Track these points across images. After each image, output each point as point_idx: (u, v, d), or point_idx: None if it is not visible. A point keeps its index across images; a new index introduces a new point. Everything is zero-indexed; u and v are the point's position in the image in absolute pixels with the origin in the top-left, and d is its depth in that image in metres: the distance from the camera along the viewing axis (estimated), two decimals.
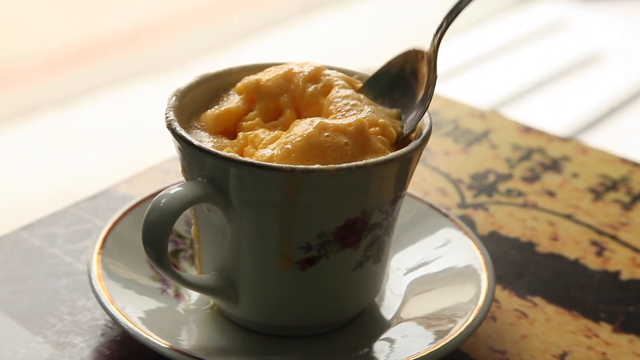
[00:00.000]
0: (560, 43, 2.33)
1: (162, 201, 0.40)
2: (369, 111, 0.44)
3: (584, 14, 2.48)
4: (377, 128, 0.43)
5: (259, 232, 0.42)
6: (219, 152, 0.41)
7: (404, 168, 0.42)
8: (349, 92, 0.45)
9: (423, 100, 0.44)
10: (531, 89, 2.04)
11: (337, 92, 0.45)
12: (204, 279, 0.44)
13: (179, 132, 0.42)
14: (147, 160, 0.65)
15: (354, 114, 0.43)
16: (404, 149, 0.42)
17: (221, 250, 0.44)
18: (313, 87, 0.45)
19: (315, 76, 0.46)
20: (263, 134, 0.43)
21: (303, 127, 0.42)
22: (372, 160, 0.40)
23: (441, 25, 0.45)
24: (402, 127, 0.44)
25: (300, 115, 0.45)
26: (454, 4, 0.45)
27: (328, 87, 0.45)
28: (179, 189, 0.41)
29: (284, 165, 0.39)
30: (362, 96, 0.45)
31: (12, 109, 1.96)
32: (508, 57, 2.23)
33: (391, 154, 0.41)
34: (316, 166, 0.40)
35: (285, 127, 0.44)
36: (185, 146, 0.41)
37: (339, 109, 0.44)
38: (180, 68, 2.12)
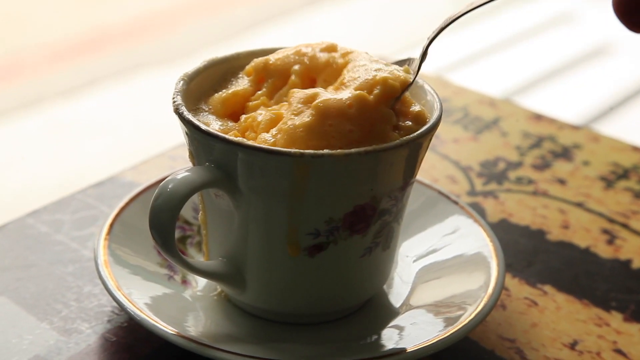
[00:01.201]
0: (571, 33, 2.32)
1: (169, 186, 0.40)
2: (374, 70, 0.42)
3: (595, 4, 2.47)
4: (378, 88, 0.41)
5: (267, 218, 0.41)
6: (226, 136, 0.40)
7: (413, 154, 0.42)
8: (368, 57, 0.44)
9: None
10: (542, 79, 2.03)
11: (357, 60, 0.44)
12: (211, 265, 0.44)
13: (187, 116, 0.41)
14: (152, 151, 0.64)
15: (357, 78, 0.42)
16: (413, 135, 0.41)
17: (229, 236, 0.43)
18: (329, 55, 0.44)
19: (331, 47, 0.45)
20: (260, 116, 0.42)
21: (299, 110, 0.41)
22: (381, 145, 0.40)
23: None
24: (408, 73, 0.43)
25: (314, 83, 0.44)
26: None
27: (346, 56, 0.44)
28: (186, 173, 0.40)
29: (293, 150, 0.39)
30: (375, 58, 0.44)
31: (17, 100, 1.96)
32: (519, 47, 2.22)
33: (400, 139, 0.40)
34: (325, 151, 0.39)
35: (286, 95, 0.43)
36: (193, 131, 0.41)
37: (352, 78, 0.43)
38: (186, 60, 2.11)
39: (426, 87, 0.45)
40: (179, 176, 0.40)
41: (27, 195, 1.59)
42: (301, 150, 0.39)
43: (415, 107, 0.43)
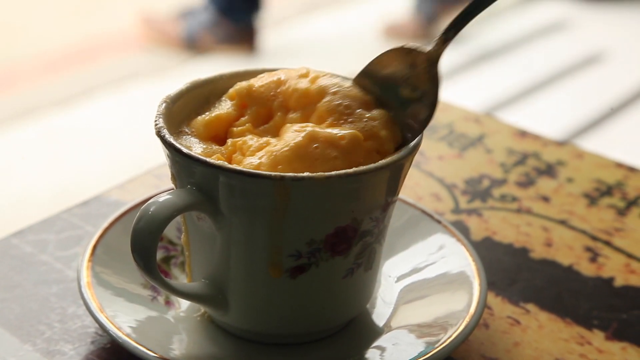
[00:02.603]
0: (558, 45, 2.33)
1: (151, 209, 0.40)
2: (367, 117, 0.43)
3: (583, 15, 2.48)
4: (373, 142, 0.42)
5: (249, 240, 0.42)
6: (207, 159, 0.40)
7: (394, 175, 0.42)
8: (346, 89, 0.44)
9: (427, 100, 0.43)
10: (529, 91, 2.04)
11: (332, 89, 0.44)
12: (194, 287, 0.44)
13: (168, 139, 0.42)
14: (147, 161, 0.64)
15: (350, 122, 0.43)
16: (394, 156, 0.41)
17: (211, 258, 0.43)
18: (304, 81, 0.44)
19: (305, 74, 0.45)
20: (251, 140, 0.43)
21: (292, 136, 0.41)
22: (362, 168, 0.40)
23: (450, 27, 0.43)
24: (402, 131, 0.43)
25: (288, 114, 0.44)
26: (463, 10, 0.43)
27: (318, 84, 0.44)
28: (168, 196, 0.40)
29: (273, 174, 0.39)
30: (359, 93, 0.44)
31: (12, 109, 1.96)
32: (506, 59, 2.23)
33: (381, 162, 0.41)
34: (305, 174, 0.39)
35: (275, 132, 0.44)
36: (175, 154, 0.41)
37: (332, 111, 0.43)
38: (180, 70, 2.12)
39: None
40: (161, 199, 0.40)
41: (23, 203, 1.59)
42: (282, 174, 0.39)
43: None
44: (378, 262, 0.46)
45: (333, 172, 0.39)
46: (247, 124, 0.44)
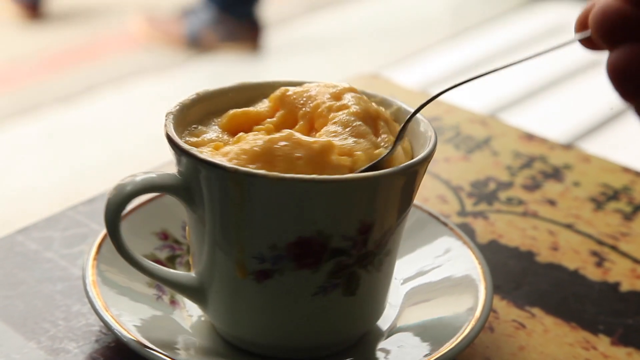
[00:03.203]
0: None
1: (125, 182, 0.41)
2: (354, 140, 0.42)
3: None
4: (348, 159, 0.41)
5: (218, 235, 0.41)
6: (178, 141, 0.41)
7: (365, 193, 0.39)
8: (355, 110, 0.43)
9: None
10: (535, 93, 2.04)
11: (345, 109, 0.43)
12: (174, 275, 0.44)
13: (166, 119, 0.42)
14: (151, 158, 0.64)
15: (353, 138, 0.42)
16: (363, 174, 0.39)
17: (198, 252, 0.43)
18: (330, 103, 0.44)
19: (338, 95, 0.44)
20: (250, 136, 0.42)
21: (273, 135, 0.41)
22: (319, 176, 0.38)
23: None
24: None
25: (313, 128, 0.44)
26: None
27: (342, 100, 0.44)
28: (145, 175, 0.41)
29: (229, 165, 0.39)
30: (360, 123, 0.43)
31: (14, 107, 1.96)
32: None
33: (348, 175, 0.39)
34: (261, 171, 0.38)
35: None
36: (165, 134, 0.42)
37: (340, 123, 0.43)
38: (182, 68, 2.12)
39: (421, 122, 0.45)
40: (139, 177, 0.41)
41: (25, 200, 1.59)
42: (236, 167, 0.39)
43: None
44: (369, 292, 0.43)
45: (287, 175, 0.38)
46: (268, 124, 0.44)
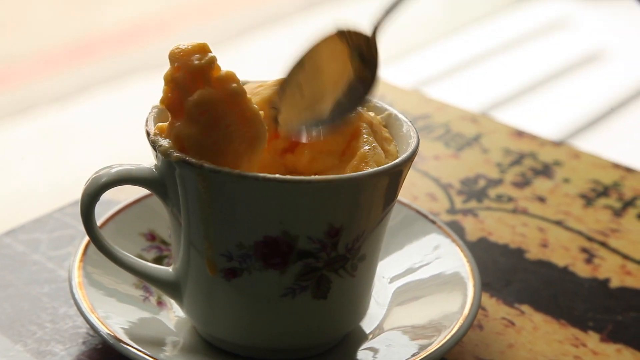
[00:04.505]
0: (556, 44, 2.32)
1: (100, 173, 0.42)
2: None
3: (581, 14, 2.47)
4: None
5: (190, 232, 0.41)
6: (151, 132, 0.41)
7: (330, 196, 0.39)
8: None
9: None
10: (526, 90, 2.04)
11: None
12: (151, 268, 0.44)
13: (149, 113, 0.43)
14: (143, 159, 0.64)
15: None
16: (324, 177, 0.38)
17: (175, 247, 0.44)
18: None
19: None
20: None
21: None
22: (283, 176, 0.38)
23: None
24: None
25: None
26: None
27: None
28: (121, 167, 0.42)
29: (195, 161, 0.39)
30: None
31: (9, 106, 1.96)
32: (503, 58, 2.23)
33: (311, 177, 0.38)
34: (225, 168, 0.38)
35: None
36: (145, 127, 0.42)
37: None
38: None
39: (402, 119, 0.45)
40: (114, 168, 0.42)
41: (21, 200, 1.59)
42: (202, 162, 0.38)
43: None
44: (342, 297, 0.42)
45: (249, 173, 0.38)
46: None
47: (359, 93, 0.42)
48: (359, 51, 0.42)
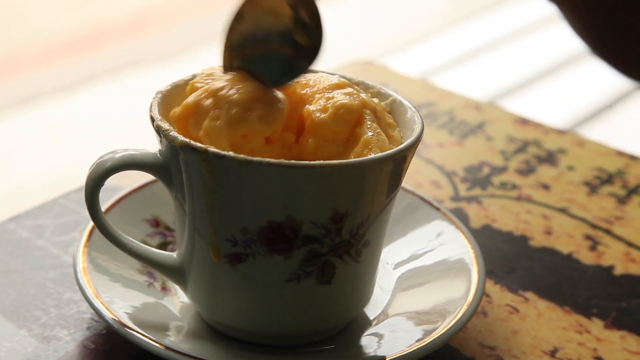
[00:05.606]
0: (561, 34, 2.31)
1: (105, 158, 0.41)
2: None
3: None
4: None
5: (194, 217, 0.41)
6: (157, 120, 0.41)
7: (334, 181, 0.39)
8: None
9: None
10: (531, 80, 2.03)
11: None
12: (155, 253, 0.44)
13: (154, 98, 0.42)
14: (149, 148, 0.64)
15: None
16: (328, 162, 0.38)
17: (179, 233, 0.44)
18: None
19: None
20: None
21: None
22: (287, 161, 0.38)
23: None
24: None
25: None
26: None
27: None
28: (125, 152, 0.42)
29: (199, 145, 0.39)
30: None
31: (12, 96, 1.96)
32: (509, 47, 2.22)
33: (314, 162, 0.38)
34: (229, 153, 0.38)
35: None
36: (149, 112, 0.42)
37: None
38: (182, 57, 2.11)
39: (406, 105, 0.44)
40: (119, 153, 0.42)
41: (23, 190, 1.59)
42: (206, 147, 0.38)
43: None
44: (346, 283, 0.42)
45: (255, 158, 0.38)
46: None
47: (303, 51, 0.42)
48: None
